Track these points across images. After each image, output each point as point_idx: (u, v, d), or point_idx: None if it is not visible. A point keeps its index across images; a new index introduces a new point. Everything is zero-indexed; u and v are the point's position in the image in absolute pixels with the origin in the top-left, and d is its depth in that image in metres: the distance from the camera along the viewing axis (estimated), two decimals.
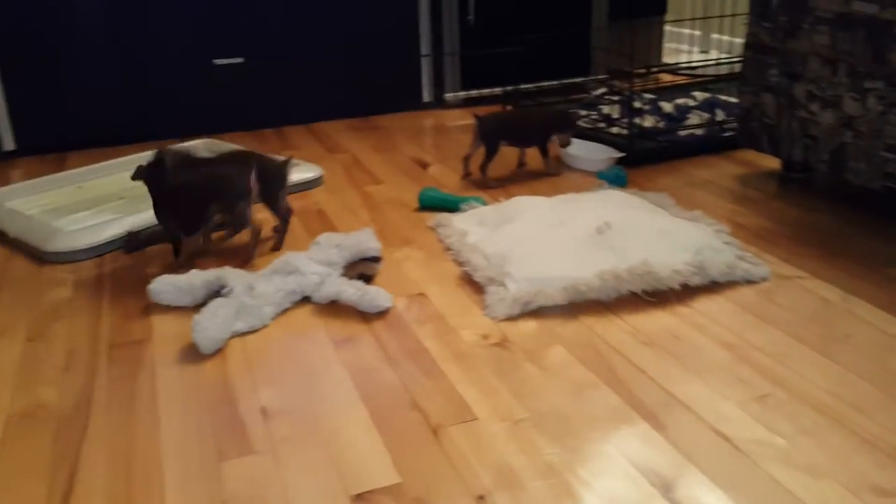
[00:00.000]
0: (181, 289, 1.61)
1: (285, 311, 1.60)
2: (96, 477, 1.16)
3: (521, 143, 2.40)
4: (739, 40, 3.14)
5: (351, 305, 1.60)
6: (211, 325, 1.45)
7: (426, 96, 3.22)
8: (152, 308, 1.64)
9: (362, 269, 1.73)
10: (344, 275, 1.69)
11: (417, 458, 1.16)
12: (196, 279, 1.62)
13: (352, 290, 1.60)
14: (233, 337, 1.50)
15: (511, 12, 3.11)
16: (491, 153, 2.29)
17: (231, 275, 1.62)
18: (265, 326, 1.54)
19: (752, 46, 2.13)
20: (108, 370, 1.43)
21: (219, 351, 1.46)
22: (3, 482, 1.15)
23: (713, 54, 3.31)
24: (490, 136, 2.29)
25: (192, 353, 1.46)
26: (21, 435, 1.26)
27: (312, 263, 1.66)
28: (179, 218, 1.78)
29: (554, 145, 2.40)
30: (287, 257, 1.68)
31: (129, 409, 1.31)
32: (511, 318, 1.55)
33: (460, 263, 1.79)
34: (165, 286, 1.62)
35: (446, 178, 2.39)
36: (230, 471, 1.15)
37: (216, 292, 1.60)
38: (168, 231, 1.78)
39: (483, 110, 2.41)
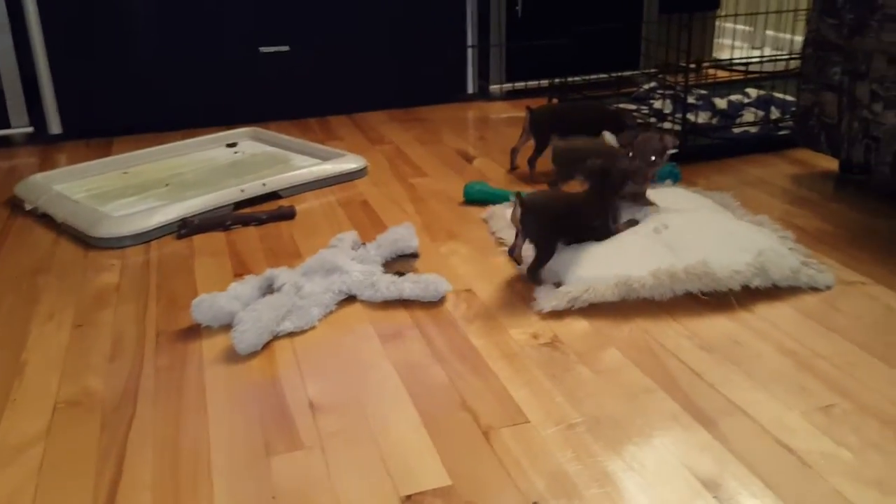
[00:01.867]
0: (221, 309, 1.48)
1: (330, 311, 1.56)
2: (143, 467, 1.14)
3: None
4: (790, 37, 3.05)
5: (413, 299, 1.57)
6: (252, 327, 1.40)
7: (471, 88, 3.19)
8: None
9: (400, 266, 1.70)
10: (385, 272, 1.66)
11: (468, 461, 1.13)
12: (244, 288, 1.54)
13: (410, 285, 1.57)
14: (279, 337, 1.47)
15: (560, 4, 3.06)
16: (541, 146, 2.25)
17: (282, 274, 1.58)
18: (312, 327, 1.51)
19: (814, 43, 2.06)
20: (154, 359, 1.42)
21: (266, 345, 1.44)
22: (51, 470, 1.15)
23: (765, 51, 3.23)
24: (541, 128, 2.25)
25: None
26: (68, 423, 1.25)
27: (355, 262, 1.64)
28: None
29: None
30: (323, 255, 1.65)
31: (176, 399, 1.30)
32: (559, 312, 1.51)
33: (513, 259, 1.75)
34: (204, 311, 1.49)
35: (491, 171, 2.35)
36: (278, 465, 1.13)
37: (268, 288, 1.57)
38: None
39: (529, 103, 2.36)
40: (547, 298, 1.55)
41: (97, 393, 1.33)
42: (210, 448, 1.18)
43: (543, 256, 1.62)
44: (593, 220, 1.68)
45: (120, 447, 1.19)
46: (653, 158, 1.78)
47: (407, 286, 1.57)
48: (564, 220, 1.66)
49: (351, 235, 1.78)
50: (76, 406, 1.29)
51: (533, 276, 1.64)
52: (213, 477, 1.12)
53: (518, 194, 1.63)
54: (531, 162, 2.26)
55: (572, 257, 1.64)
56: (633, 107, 2.70)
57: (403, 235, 1.73)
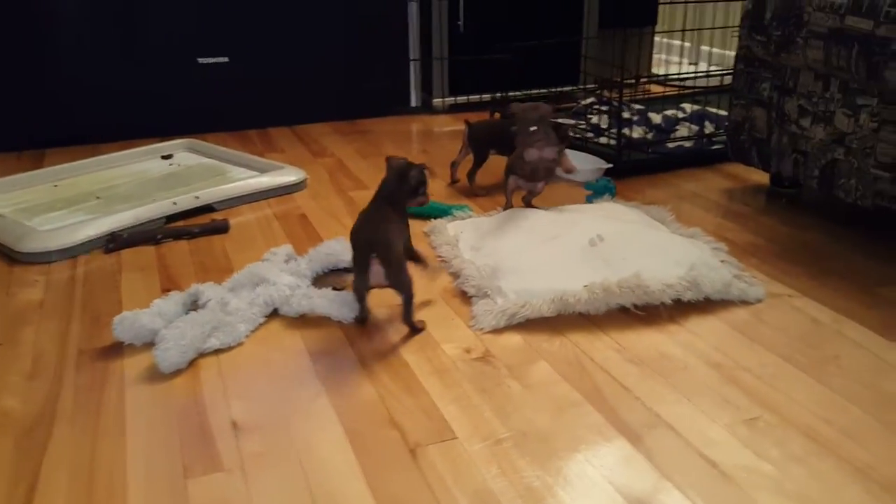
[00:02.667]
0: (144, 327, 1.43)
1: (259, 325, 1.53)
2: (57, 492, 1.10)
3: (511, 152, 2.35)
4: (729, 52, 3.12)
5: (326, 316, 1.55)
6: (175, 345, 1.36)
7: (414, 101, 3.18)
8: None
9: (333, 281, 1.68)
10: (316, 287, 1.63)
11: (393, 479, 1.12)
12: (167, 305, 1.50)
13: (324, 301, 1.55)
14: (205, 354, 1.44)
15: (501, 19, 3.08)
16: (480, 160, 2.25)
17: (207, 289, 1.55)
18: (240, 344, 1.47)
19: (744, 59, 2.10)
20: (75, 379, 1.37)
21: (191, 363, 1.41)
22: None
23: (702, 66, 3.29)
24: (480, 143, 2.25)
25: None
26: None
27: (283, 274, 1.61)
28: None
29: None
30: (251, 268, 1.63)
31: (94, 420, 1.26)
32: (496, 331, 1.51)
33: (451, 274, 1.74)
34: (126, 329, 1.44)
35: (433, 185, 2.31)
36: (196, 488, 1.10)
37: (193, 304, 1.54)
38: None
39: (471, 117, 2.37)
40: (485, 317, 1.54)
41: (13, 413, 1.28)
42: (126, 471, 1.14)
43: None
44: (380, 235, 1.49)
45: (33, 471, 1.14)
46: (532, 128, 1.88)
47: (320, 302, 1.55)
48: None
49: (285, 249, 1.75)
50: None
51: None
52: (129, 501, 1.08)
53: None
54: (470, 176, 2.26)
55: (509, 269, 1.64)
56: (571, 122, 2.72)
57: (336, 250, 1.71)
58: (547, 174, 1.97)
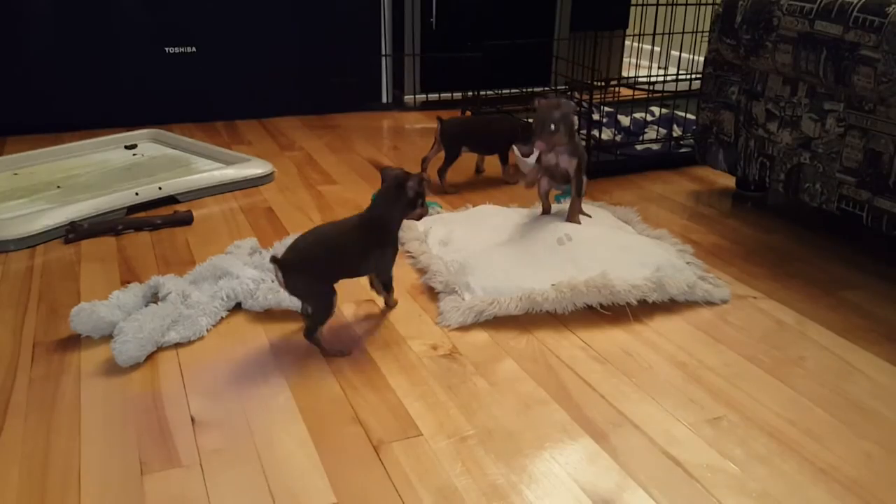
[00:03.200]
0: (102, 319, 1.40)
1: (221, 319, 1.51)
2: (7, 488, 1.07)
3: (483, 150, 2.35)
4: (699, 57, 3.15)
5: (290, 311, 1.52)
6: (133, 338, 1.33)
7: (385, 97, 3.16)
8: None
9: None
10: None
11: (356, 477, 1.10)
12: (126, 296, 1.46)
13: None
14: (165, 348, 1.41)
15: (474, 18, 3.07)
16: (451, 158, 2.24)
17: (168, 282, 1.51)
18: (201, 338, 1.44)
19: (713, 63, 2.12)
20: (29, 371, 1.33)
21: (150, 357, 1.37)
22: None
23: (672, 70, 3.31)
24: (452, 140, 2.24)
25: None
26: None
27: (247, 268, 1.58)
28: None
29: (512, 153, 2.36)
30: (214, 261, 1.60)
31: (48, 414, 1.22)
32: (463, 328, 1.50)
33: (419, 269, 1.73)
34: (84, 321, 1.40)
35: None
36: (152, 485, 1.07)
37: (153, 297, 1.50)
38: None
39: (442, 114, 2.35)
40: (452, 314, 1.53)
41: None
42: (81, 467, 1.11)
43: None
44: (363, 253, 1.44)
45: None
46: (552, 127, 1.72)
47: (286, 296, 1.51)
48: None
49: (249, 242, 1.72)
50: None
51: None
52: (83, 498, 1.05)
53: None
54: (441, 173, 2.24)
55: (477, 266, 1.63)
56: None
57: None
58: (562, 181, 1.84)
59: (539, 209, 1.92)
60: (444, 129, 2.24)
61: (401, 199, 1.45)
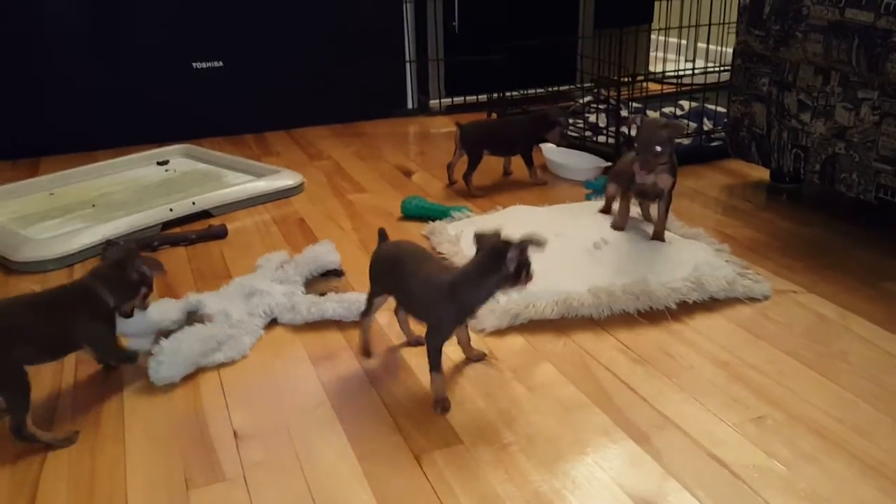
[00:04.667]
0: (150, 320, 1.40)
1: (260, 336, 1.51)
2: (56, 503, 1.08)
3: (505, 152, 2.34)
4: (725, 49, 3.11)
5: (329, 321, 1.53)
6: (169, 360, 1.33)
7: (411, 103, 3.17)
8: None
9: (325, 286, 1.65)
10: (308, 293, 1.60)
11: (398, 487, 1.10)
12: (167, 305, 1.48)
13: (333, 305, 1.53)
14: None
15: (497, 19, 3.06)
16: (474, 162, 2.23)
17: (208, 301, 1.50)
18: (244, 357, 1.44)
19: (742, 55, 2.09)
20: (73, 390, 1.35)
21: (191, 373, 1.38)
22: None
23: (699, 63, 3.28)
24: (472, 144, 2.23)
25: None
26: None
27: (274, 284, 1.58)
28: None
29: (538, 154, 2.35)
30: (240, 280, 1.60)
31: (93, 430, 1.24)
32: (499, 332, 1.49)
33: None
34: (131, 323, 1.37)
35: (431, 187, 2.33)
36: (198, 499, 1.08)
37: (193, 315, 1.50)
38: None
39: (467, 117, 2.35)
40: (487, 317, 1.52)
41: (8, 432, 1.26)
42: (127, 482, 1.12)
43: None
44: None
45: (32, 485, 1.12)
46: (658, 149, 1.58)
47: (330, 306, 1.52)
48: None
49: (279, 256, 1.73)
50: None
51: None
52: None
53: None
54: (466, 178, 2.23)
55: None
56: (570, 121, 2.70)
57: (322, 252, 1.68)
58: (655, 197, 1.73)
59: (568, 203, 1.88)
60: (464, 134, 2.23)
61: (499, 271, 1.20)
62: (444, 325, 1.26)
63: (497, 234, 1.23)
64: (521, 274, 1.21)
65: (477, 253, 1.24)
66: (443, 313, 1.25)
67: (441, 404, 1.26)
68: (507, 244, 1.20)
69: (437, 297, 1.24)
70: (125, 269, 1.31)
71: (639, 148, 1.61)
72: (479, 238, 1.24)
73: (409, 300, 1.34)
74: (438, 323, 1.26)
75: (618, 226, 1.76)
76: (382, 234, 1.40)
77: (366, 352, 1.43)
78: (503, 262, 1.19)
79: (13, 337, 1.19)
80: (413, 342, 1.45)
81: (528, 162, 2.30)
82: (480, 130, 2.28)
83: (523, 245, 1.20)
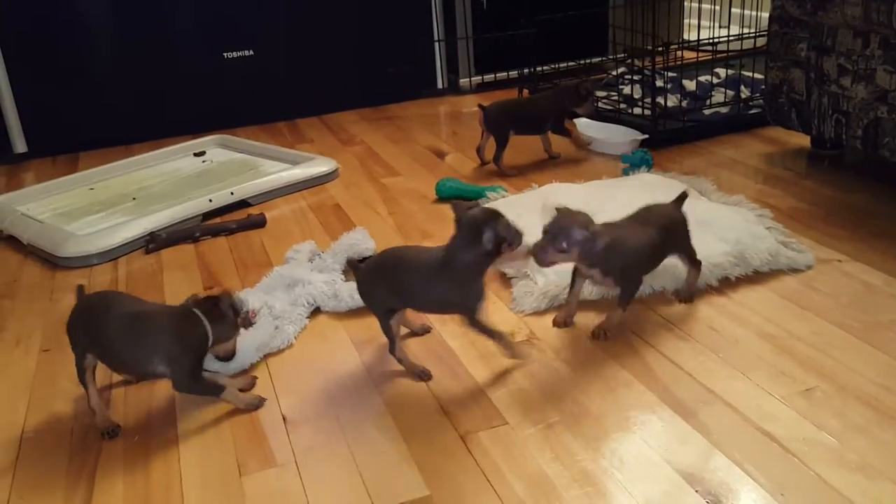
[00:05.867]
0: None
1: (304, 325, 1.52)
2: (114, 496, 1.11)
3: (533, 131, 2.29)
4: (759, 13, 3.04)
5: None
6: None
7: (441, 83, 3.15)
8: None
9: None
10: (347, 280, 1.59)
11: (446, 468, 1.11)
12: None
13: None
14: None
15: None
16: (502, 144, 2.21)
17: (251, 296, 1.50)
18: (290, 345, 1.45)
19: (779, 20, 2.04)
20: (124, 381, 1.38)
21: None
22: (19, 501, 1.11)
23: (733, 29, 3.21)
24: (497, 126, 2.21)
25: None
26: (37, 451, 1.22)
27: (314, 273, 1.59)
28: None
29: (572, 126, 2.32)
30: (279, 270, 1.61)
31: (146, 422, 1.27)
32: (539, 312, 1.49)
33: None
34: None
35: (464, 167, 2.33)
36: (251, 485, 1.11)
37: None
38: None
39: (499, 95, 2.34)
40: (525, 299, 1.52)
41: (65, 419, 1.30)
42: (181, 471, 1.15)
43: None
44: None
45: (90, 474, 1.16)
46: (564, 245, 1.31)
47: None
48: None
49: (307, 246, 1.71)
50: (44, 433, 1.26)
51: None
52: (186, 502, 1.09)
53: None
54: (496, 159, 2.22)
55: None
56: (602, 94, 2.67)
57: (358, 239, 1.69)
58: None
59: (605, 179, 1.82)
60: (487, 115, 2.21)
61: (476, 249, 1.22)
62: (468, 303, 1.27)
63: (478, 207, 1.26)
64: (502, 248, 1.23)
65: (456, 225, 1.26)
66: (454, 295, 1.26)
67: (513, 352, 1.30)
68: (479, 222, 1.22)
69: (445, 284, 1.26)
70: (479, 238, 1.22)
71: (545, 235, 1.33)
72: (457, 211, 1.26)
73: (420, 302, 1.34)
74: (462, 305, 1.27)
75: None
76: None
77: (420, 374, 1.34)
78: (480, 239, 1.21)
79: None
80: (420, 331, 1.46)
81: (563, 134, 2.27)
82: (504, 111, 2.24)
83: (494, 224, 1.22)
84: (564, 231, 1.29)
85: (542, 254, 1.31)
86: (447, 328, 1.46)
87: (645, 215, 1.43)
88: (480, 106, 2.23)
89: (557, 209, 1.35)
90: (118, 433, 1.25)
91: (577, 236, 1.29)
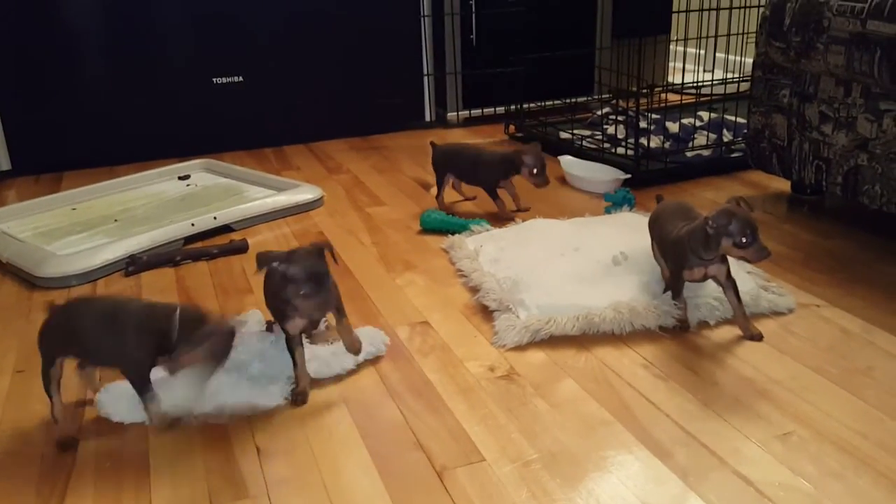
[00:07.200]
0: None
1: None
2: None
3: (469, 180, 2.26)
4: (743, 59, 3.10)
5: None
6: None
7: (429, 116, 3.18)
8: None
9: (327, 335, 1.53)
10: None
11: (421, 503, 1.10)
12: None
13: (335, 357, 1.43)
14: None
15: (514, 32, 3.06)
16: (439, 184, 2.24)
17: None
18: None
19: (763, 66, 2.08)
20: (97, 404, 1.36)
21: None
22: None
23: (717, 74, 3.27)
24: (437, 166, 2.25)
25: None
26: (4, 475, 1.20)
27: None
28: None
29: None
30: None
31: (118, 449, 1.25)
32: (520, 348, 1.49)
33: (471, 288, 1.72)
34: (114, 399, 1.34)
35: (448, 199, 2.33)
36: None
37: None
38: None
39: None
40: (507, 333, 1.52)
41: (36, 442, 1.27)
42: (152, 499, 1.13)
43: None
44: None
45: (59, 497, 1.13)
46: (743, 240, 1.41)
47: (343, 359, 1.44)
48: None
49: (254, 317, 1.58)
50: (14, 455, 1.24)
51: None
52: None
53: None
54: (437, 197, 2.24)
55: (531, 282, 1.62)
56: (587, 132, 2.70)
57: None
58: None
59: (588, 217, 1.85)
60: (433, 154, 2.25)
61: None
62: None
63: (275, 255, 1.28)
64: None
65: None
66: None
67: None
68: (320, 247, 1.29)
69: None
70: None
71: (691, 247, 1.46)
72: (260, 259, 1.27)
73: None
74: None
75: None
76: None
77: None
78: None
79: None
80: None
81: (491, 195, 2.18)
82: (444, 154, 2.24)
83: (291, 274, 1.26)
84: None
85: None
86: (427, 361, 1.46)
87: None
88: (432, 143, 2.26)
89: (727, 204, 1.47)
90: (74, 446, 1.24)
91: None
